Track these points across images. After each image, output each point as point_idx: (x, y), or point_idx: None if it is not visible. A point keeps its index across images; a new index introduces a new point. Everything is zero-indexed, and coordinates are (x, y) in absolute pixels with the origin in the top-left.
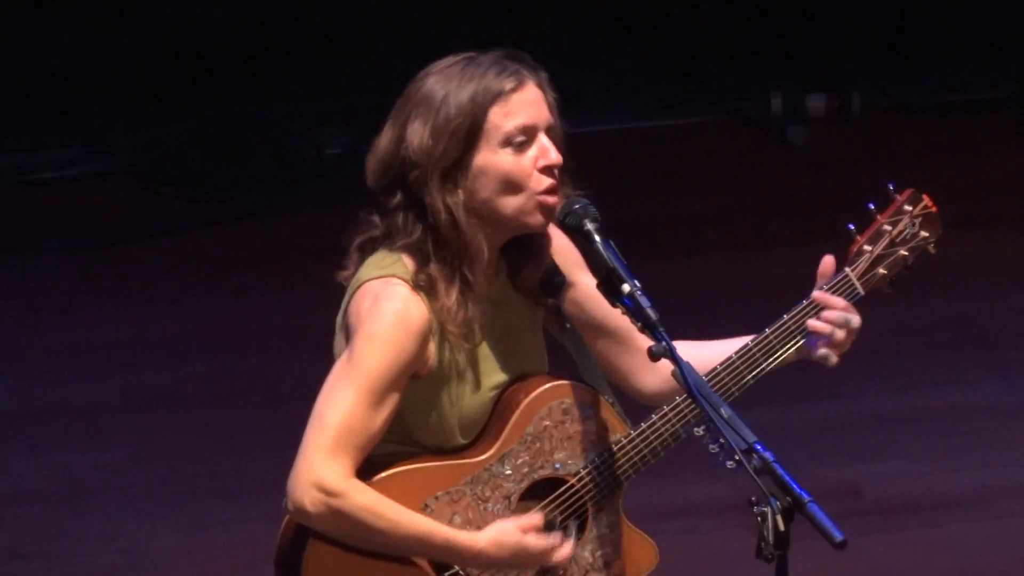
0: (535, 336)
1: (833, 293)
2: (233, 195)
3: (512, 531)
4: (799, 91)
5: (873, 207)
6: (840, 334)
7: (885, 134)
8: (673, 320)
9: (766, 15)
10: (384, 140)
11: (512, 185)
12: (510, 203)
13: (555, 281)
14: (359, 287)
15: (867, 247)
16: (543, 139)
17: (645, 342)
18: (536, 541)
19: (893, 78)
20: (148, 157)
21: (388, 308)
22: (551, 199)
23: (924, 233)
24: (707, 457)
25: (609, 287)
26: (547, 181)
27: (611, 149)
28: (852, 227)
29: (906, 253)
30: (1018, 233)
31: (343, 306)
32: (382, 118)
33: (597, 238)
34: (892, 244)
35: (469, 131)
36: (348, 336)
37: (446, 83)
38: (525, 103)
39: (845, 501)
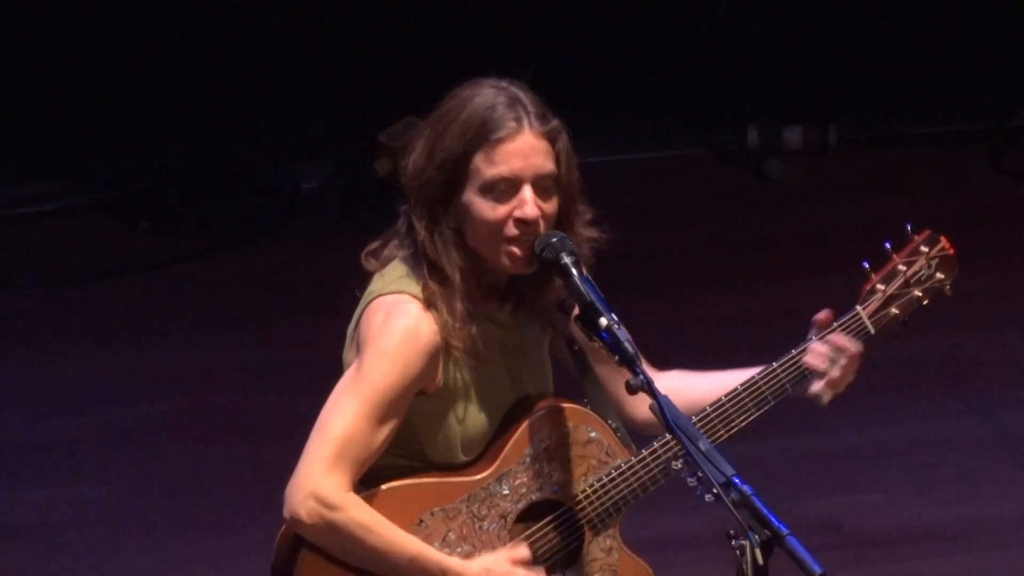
0: (541, 359)
1: (844, 330)
2: (209, 230)
3: (502, 561)
4: (775, 124)
5: (889, 246)
6: (836, 372)
7: (861, 167)
8: (651, 354)
9: (743, 48)
10: (411, 144)
11: (485, 231)
12: (483, 245)
13: (565, 303)
14: (372, 300)
15: (880, 286)
16: (525, 191)
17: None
18: (524, 573)
19: (869, 111)
20: (124, 192)
21: (399, 325)
22: (517, 250)
23: (940, 275)
24: (685, 490)
25: (587, 321)
26: (514, 232)
27: (586, 182)
28: (867, 265)
29: (920, 294)
30: (995, 266)
31: (355, 317)
32: (357, 153)
33: (574, 272)
34: (906, 284)
35: (454, 169)
36: (358, 348)
37: (458, 110)
38: (512, 154)
39: (824, 535)
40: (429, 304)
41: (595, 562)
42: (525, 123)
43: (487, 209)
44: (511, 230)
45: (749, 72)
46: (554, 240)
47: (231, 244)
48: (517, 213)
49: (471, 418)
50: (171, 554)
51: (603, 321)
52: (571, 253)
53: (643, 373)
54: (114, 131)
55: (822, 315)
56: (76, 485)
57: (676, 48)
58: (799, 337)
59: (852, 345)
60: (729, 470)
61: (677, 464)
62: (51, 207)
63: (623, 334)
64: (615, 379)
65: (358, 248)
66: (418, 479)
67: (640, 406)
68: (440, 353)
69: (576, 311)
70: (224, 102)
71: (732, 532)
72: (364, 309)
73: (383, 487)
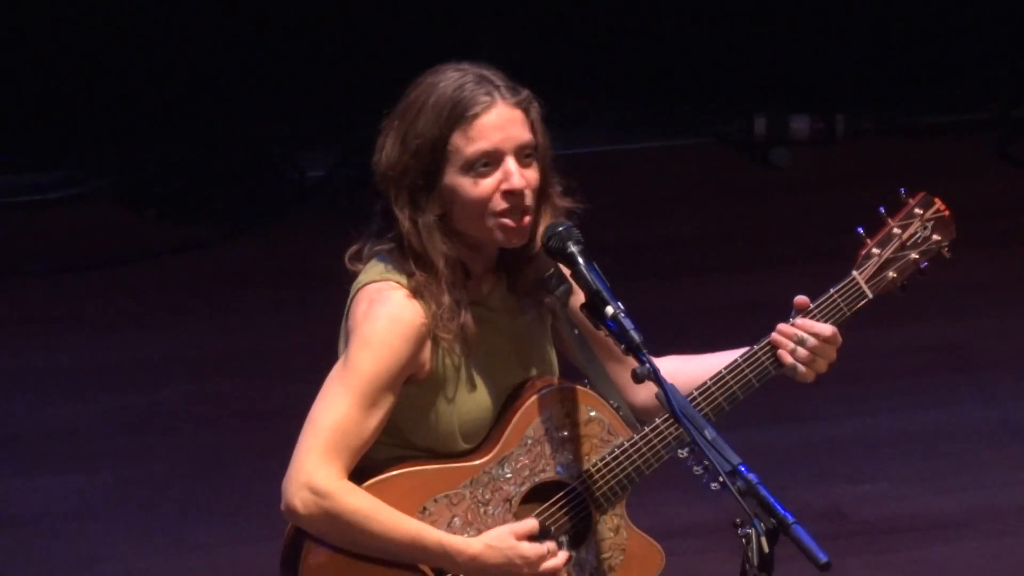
0: (542, 342)
1: (841, 295)
2: (216, 218)
3: (505, 536)
4: (783, 113)
5: (884, 211)
6: (801, 352)
7: (868, 156)
8: (657, 342)
9: (750, 37)
10: (379, 142)
11: (474, 209)
12: (475, 225)
13: (560, 288)
14: (357, 291)
15: (876, 250)
16: (508, 163)
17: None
18: (530, 547)
19: (876, 100)
20: (131, 180)
21: (382, 312)
22: (510, 221)
23: (936, 236)
24: (690, 479)
25: (593, 309)
26: (503, 205)
27: (595, 171)
28: (862, 230)
29: (917, 256)
30: (1002, 255)
31: (345, 310)
32: (364, 141)
33: (580, 260)
34: (902, 247)
35: (432, 152)
36: (346, 340)
37: (425, 96)
38: (489, 127)
39: (830, 523)
40: (416, 294)
41: (604, 541)
42: (497, 96)
43: (471, 187)
44: (499, 204)
45: (756, 61)
46: (560, 229)
47: (238, 232)
48: (504, 186)
49: (468, 405)
50: (175, 543)
51: (609, 309)
52: (577, 241)
53: (649, 361)
54: (122, 120)
55: (800, 298)
56: (80, 473)
57: (683, 37)
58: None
59: (821, 329)
60: (735, 458)
61: (683, 452)
62: (58, 195)
63: (629, 323)
64: (616, 363)
65: (363, 237)
66: (419, 466)
67: (640, 392)
68: (427, 339)
69: (576, 296)
70: (231, 91)
71: (738, 520)
72: (351, 300)
73: (384, 476)
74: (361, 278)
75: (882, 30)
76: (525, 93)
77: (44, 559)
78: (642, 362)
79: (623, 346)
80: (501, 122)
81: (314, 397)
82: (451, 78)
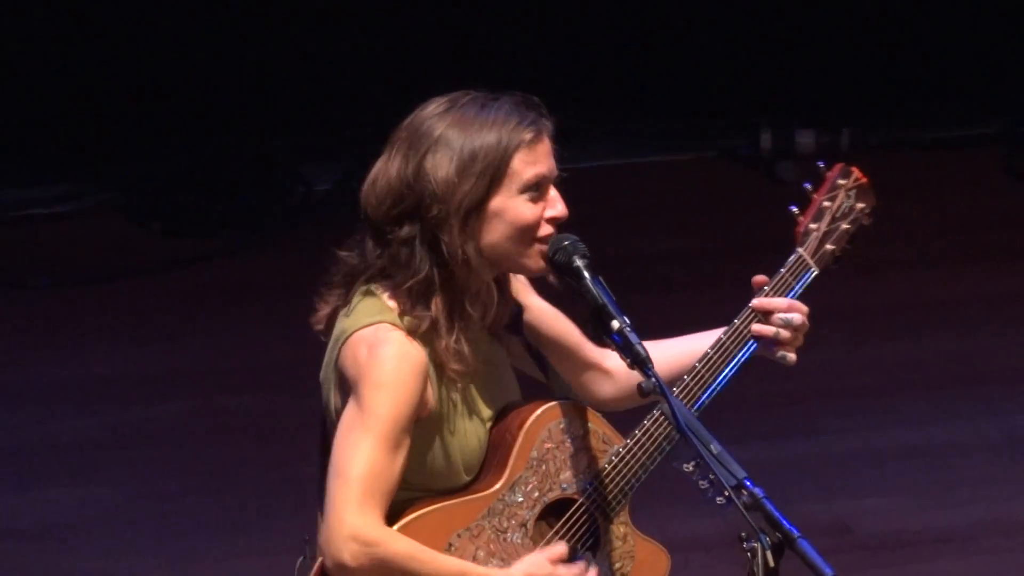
0: (509, 369)
1: (791, 273)
2: (221, 232)
3: (542, 562)
4: (788, 127)
5: (809, 187)
6: (785, 334)
7: (874, 170)
8: None
9: (756, 52)
10: (394, 170)
11: (523, 232)
12: (515, 248)
13: (516, 312)
14: (348, 337)
15: (813, 225)
16: (552, 190)
17: (595, 352)
18: (566, 569)
19: (882, 115)
20: (136, 194)
21: (388, 353)
22: (546, 248)
23: (860, 204)
24: (696, 492)
25: (598, 323)
26: (548, 230)
27: (600, 185)
28: (795, 208)
29: (848, 226)
30: (1007, 269)
31: (328, 359)
32: (371, 154)
33: (586, 274)
34: (834, 219)
35: (494, 174)
36: (344, 388)
37: (468, 122)
38: (544, 153)
39: (835, 537)
40: (413, 333)
41: (614, 551)
42: (543, 123)
43: (527, 209)
44: (545, 229)
45: (762, 76)
46: (566, 243)
47: (243, 246)
48: (550, 212)
49: (468, 436)
50: (180, 556)
51: (615, 324)
52: (583, 256)
53: (655, 376)
54: (126, 133)
55: (759, 277)
56: (86, 486)
57: (689, 52)
58: (813, 336)
59: (778, 303)
60: (741, 473)
61: (689, 466)
62: (63, 208)
63: (634, 337)
64: (569, 367)
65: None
66: (436, 505)
67: (604, 386)
68: (429, 375)
69: (528, 314)
70: (237, 103)
71: (743, 534)
72: (341, 347)
73: (406, 520)
74: (347, 323)
75: (888, 45)
76: (552, 123)
77: (48, 572)
78: (648, 376)
79: (628, 360)
80: (549, 150)
81: (320, 410)
82: (489, 103)
